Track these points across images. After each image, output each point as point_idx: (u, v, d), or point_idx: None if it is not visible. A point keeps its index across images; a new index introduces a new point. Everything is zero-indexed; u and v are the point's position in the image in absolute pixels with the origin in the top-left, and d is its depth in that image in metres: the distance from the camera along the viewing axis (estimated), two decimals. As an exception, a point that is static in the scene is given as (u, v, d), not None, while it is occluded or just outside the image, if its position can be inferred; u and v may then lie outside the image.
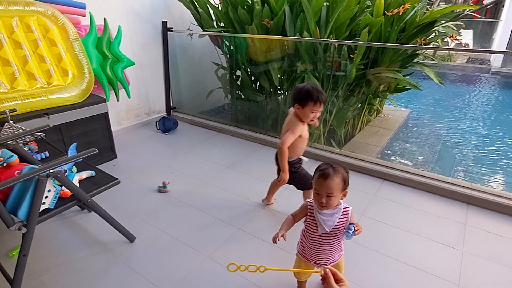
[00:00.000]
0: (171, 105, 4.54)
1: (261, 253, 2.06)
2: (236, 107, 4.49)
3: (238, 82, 4.31)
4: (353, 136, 4.25)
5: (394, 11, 3.33)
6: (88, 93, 2.95)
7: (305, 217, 1.51)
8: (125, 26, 3.65)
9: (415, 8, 3.43)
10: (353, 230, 1.38)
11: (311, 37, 3.42)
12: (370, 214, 2.45)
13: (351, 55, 3.53)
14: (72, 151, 2.03)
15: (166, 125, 3.99)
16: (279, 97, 4.20)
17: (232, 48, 4.10)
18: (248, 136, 3.85)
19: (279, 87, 4.05)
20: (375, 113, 4.91)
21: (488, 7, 12.22)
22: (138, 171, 3.08)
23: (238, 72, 4.24)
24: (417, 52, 3.92)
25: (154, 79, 4.25)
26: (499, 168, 4.20)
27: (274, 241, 1.43)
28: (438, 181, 2.80)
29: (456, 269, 1.94)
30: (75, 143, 2.11)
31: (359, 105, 4.20)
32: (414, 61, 3.98)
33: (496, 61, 10.40)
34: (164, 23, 4.13)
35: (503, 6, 10.96)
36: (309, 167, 3.12)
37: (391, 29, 3.53)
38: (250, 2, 3.78)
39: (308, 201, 1.49)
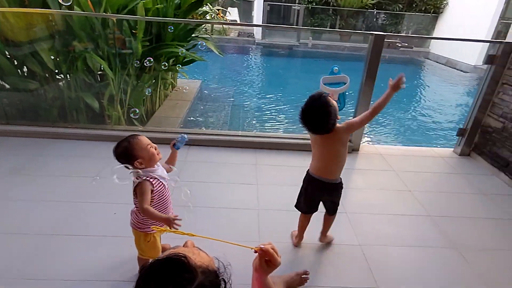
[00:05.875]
0: None
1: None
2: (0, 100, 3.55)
3: (-5, 69, 3.39)
4: (154, 112, 4.31)
5: (165, -14, 3.48)
6: None
7: (154, 195, 1.51)
8: None
9: (184, -15, 3.71)
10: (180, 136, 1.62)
11: (83, 11, 3.10)
12: (185, 178, 2.67)
13: (134, 31, 3.47)
14: None
15: None
16: (60, 83, 3.63)
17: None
18: (29, 132, 3.18)
19: (56, 71, 3.50)
20: (171, 87, 5.12)
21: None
22: None
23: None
24: (196, 27, 4.29)
25: None
26: (274, 116, 5.43)
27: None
28: (232, 136, 3.36)
29: (254, 198, 2.48)
30: None
31: (153, 81, 4.26)
32: (193, 35, 4.35)
33: (257, 34, 12.75)
34: None
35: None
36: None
37: (167, 4, 3.68)
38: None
39: (143, 180, 1.46)
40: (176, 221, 1.39)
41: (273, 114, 5.49)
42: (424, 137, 4.95)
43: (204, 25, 4.74)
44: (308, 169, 1.84)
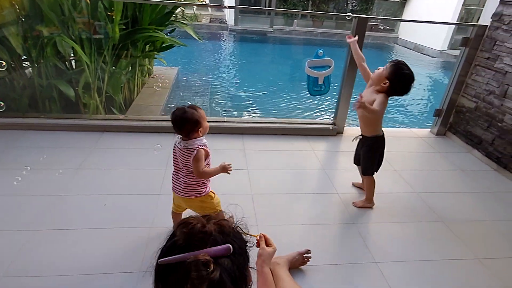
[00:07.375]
0: None
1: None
2: (-39, 91, 3.25)
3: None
4: (132, 100, 4.14)
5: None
6: None
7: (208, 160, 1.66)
8: None
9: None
10: None
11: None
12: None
13: (109, 13, 3.27)
14: None
15: None
16: (27, 70, 3.37)
17: None
18: (-4, 124, 2.96)
19: (24, 57, 3.24)
20: (147, 74, 4.93)
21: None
22: None
23: None
24: (172, 10, 4.11)
25: None
26: (253, 101, 5.39)
27: None
28: (218, 122, 3.30)
29: (247, 183, 2.47)
30: None
31: (130, 67, 4.07)
32: (171, 19, 4.18)
33: (230, 20, 12.50)
34: None
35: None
36: (98, 139, 2.86)
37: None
38: None
39: (200, 148, 1.56)
40: (228, 165, 1.59)
41: (251, 99, 5.45)
42: (400, 119, 5.15)
43: (179, 7, 4.56)
44: (378, 134, 2.13)
